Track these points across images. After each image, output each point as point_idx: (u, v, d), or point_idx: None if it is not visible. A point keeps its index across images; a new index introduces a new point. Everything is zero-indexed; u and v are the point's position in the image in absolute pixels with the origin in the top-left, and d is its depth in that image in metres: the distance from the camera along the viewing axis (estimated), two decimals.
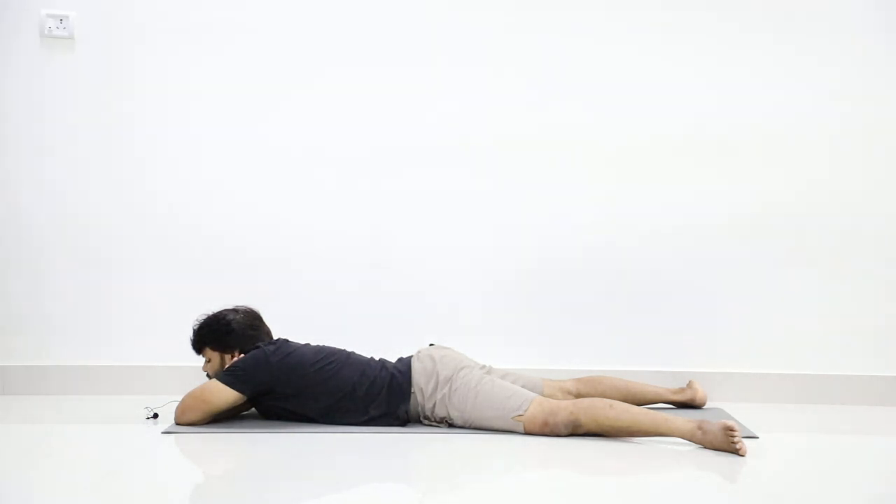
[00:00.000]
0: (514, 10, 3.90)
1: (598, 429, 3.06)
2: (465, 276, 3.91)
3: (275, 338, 3.40)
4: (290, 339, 3.37)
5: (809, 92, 3.88)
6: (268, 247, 3.89)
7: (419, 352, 3.34)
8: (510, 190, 3.91)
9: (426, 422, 3.25)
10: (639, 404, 3.34)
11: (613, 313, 3.90)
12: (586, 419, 3.05)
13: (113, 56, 3.87)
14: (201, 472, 2.90)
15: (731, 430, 2.88)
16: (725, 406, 3.68)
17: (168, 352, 3.77)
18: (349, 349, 3.38)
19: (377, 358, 3.37)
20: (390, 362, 3.35)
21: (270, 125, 3.90)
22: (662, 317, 3.89)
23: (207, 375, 3.37)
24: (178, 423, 3.19)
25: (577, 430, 3.07)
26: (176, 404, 3.23)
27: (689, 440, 2.97)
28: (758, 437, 3.11)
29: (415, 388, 3.23)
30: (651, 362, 3.86)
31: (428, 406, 3.22)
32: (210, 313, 3.40)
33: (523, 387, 3.33)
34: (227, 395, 3.17)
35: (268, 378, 3.20)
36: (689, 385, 3.67)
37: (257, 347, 3.28)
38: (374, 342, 3.57)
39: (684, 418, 3.03)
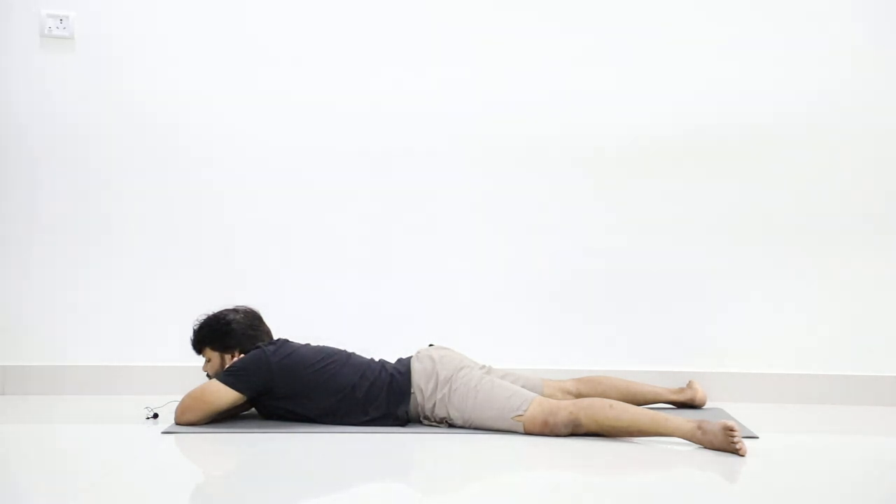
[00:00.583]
0: (513, 9, 3.90)
1: (598, 429, 3.06)
2: (465, 276, 3.91)
3: (275, 338, 3.40)
4: (290, 339, 3.37)
5: (810, 92, 3.88)
6: (268, 246, 3.89)
7: (419, 352, 3.34)
8: (510, 190, 3.91)
9: (426, 422, 3.25)
10: (639, 404, 3.34)
11: (613, 313, 3.90)
12: (586, 419, 3.05)
13: (113, 56, 3.87)
14: (201, 472, 2.90)
15: (731, 430, 2.88)
16: (725, 406, 3.68)
17: (168, 352, 3.77)
18: (349, 350, 3.38)
19: (377, 359, 3.37)
20: (390, 363, 3.35)
21: (271, 123, 3.90)
22: (662, 317, 3.89)
23: (207, 375, 3.37)
24: (178, 423, 3.19)
25: (577, 430, 3.07)
26: (176, 404, 3.23)
27: (689, 440, 2.97)
28: (758, 437, 3.11)
29: (414, 389, 3.23)
30: (651, 362, 3.86)
31: (428, 406, 3.22)
32: (210, 313, 3.40)
33: (523, 387, 3.33)
34: (226, 396, 3.17)
35: (268, 378, 3.20)
36: (689, 385, 3.67)
37: (257, 347, 3.27)
38: (374, 343, 3.57)
39: (684, 418, 3.03)
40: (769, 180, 3.89)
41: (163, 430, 3.15)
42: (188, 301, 3.64)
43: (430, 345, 3.44)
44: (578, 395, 3.42)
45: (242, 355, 3.30)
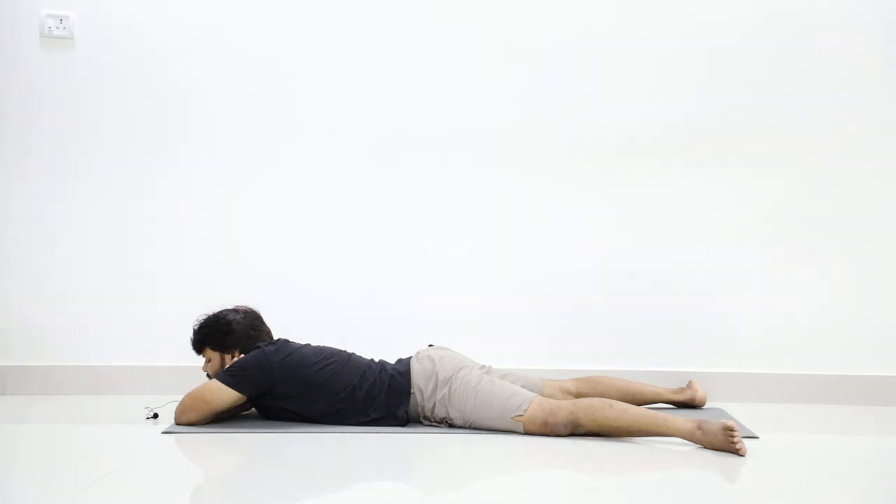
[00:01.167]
0: (513, 9, 3.90)
1: (598, 429, 3.06)
2: (466, 276, 3.91)
3: (275, 338, 3.40)
4: (291, 339, 3.37)
5: (810, 92, 3.88)
6: (268, 247, 3.89)
7: (418, 353, 3.34)
8: (510, 191, 3.91)
9: (426, 422, 3.25)
10: (638, 404, 3.34)
11: (613, 313, 3.90)
12: (586, 419, 3.05)
13: (113, 56, 3.87)
14: (201, 472, 2.90)
15: (731, 430, 2.88)
16: (725, 406, 3.68)
17: (168, 352, 3.77)
18: (349, 350, 3.38)
19: (377, 359, 3.37)
20: (390, 363, 3.35)
21: (271, 125, 3.90)
22: (662, 317, 3.89)
23: (207, 375, 3.37)
24: (178, 423, 3.19)
25: (577, 430, 3.07)
26: (176, 404, 3.23)
27: (689, 440, 2.97)
28: (758, 437, 3.11)
29: (414, 389, 3.23)
30: (651, 362, 3.86)
31: (428, 407, 3.22)
32: (210, 313, 3.40)
33: (523, 387, 3.33)
34: (227, 396, 3.17)
35: (268, 378, 3.20)
36: (689, 385, 3.67)
37: (258, 348, 3.28)
38: (374, 343, 3.57)
39: (684, 418, 3.03)
40: (769, 180, 3.89)
41: (163, 430, 3.15)
42: (189, 301, 3.64)
43: (430, 345, 3.44)
44: (578, 395, 3.42)
45: (242, 355, 3.30)
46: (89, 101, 3.86)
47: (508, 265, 3.92)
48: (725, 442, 2.88)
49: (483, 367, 3.34)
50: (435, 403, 3.21)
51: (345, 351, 3.36)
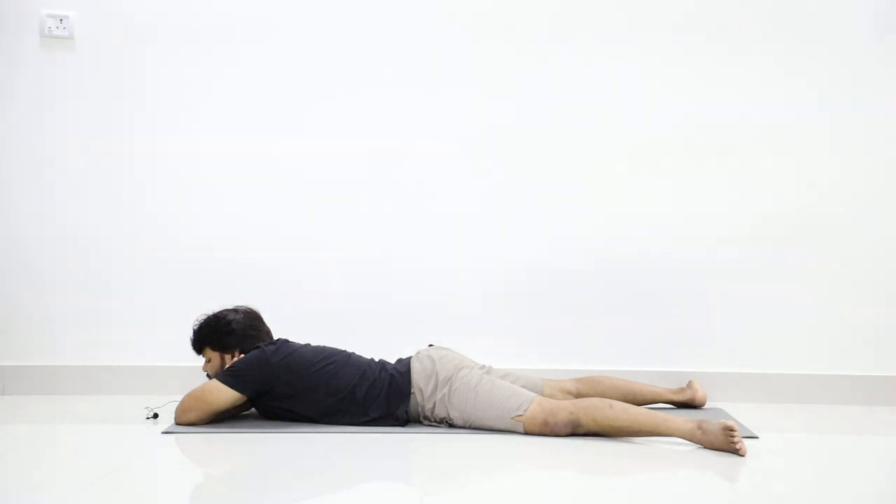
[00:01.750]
0: (513, 14, 3.90)
1: (598, 429, 3.06)
2: (466, 276, 3.91)
3: (275, 338, 3.40)
4: (290, 339, 3.37)
5: (810, 95, 3.88)
6: (268, 247, 3.89)
7: (418, 352, 3.34)
8: (510, 192, 3.91)
9: (426, 422, 3.25)
10: (638, 404, 3.35)
11: (613, 314, 3.90)
12: (586, 419, 3.05)
13: (113, 56, 3.87)
14: (201, 472, 2.90)
15: (731, 430, 2.88)
16: (725, 406, 3.68)
17: (168, 352, 3.77)
18: (349, 350, 3.38)
19: (377, 359, 3.37)
20: (390, 363, 3.35)
21: (272, 128, 3.89)
22: (662, 317, 3.89)
23: (207, 375, 3.37)
24: (178, 423, 3.19)
25: (577, 430, 3.07)
26: (176, 404, 3.23)
27: (689, 440, 2.97)
28: (758, 437, 3.11)
29: (414, 389, 3.23)
30: (651, 362, 3.86)
31: (428, 406, 3.22)
32: (210, 313, 3.40)
33: (523, 387, 3.33)
34: (227, 396, 3.17)
35: (268, 378, 3.20)
36: (689, 385, 3.67)
37: (257, 348, 3.28)
38: (374, 343, 3.57)
39: (684, 418, 3.03)
40: (769, 180, 3.89)
41: (163, 430, 3.15)
42: (189, 301, 3.64)
43: (430, 345, 3.44)
44: (578, 395, 3.42)
45: (242, 355, 3.30)
46: (89, 101, 3.86)
47: (508, 265, 3.91)
48: (725, 442, 2.88)
49: (483, 367, 3.34)
50: (435, 403, 3.21)
51: (345, 351, 3.36)
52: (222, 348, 3.36)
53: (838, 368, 3.85)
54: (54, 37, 3.84)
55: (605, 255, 3.90)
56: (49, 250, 3.86)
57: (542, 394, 3.34)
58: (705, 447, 2.93)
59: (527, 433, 3.11)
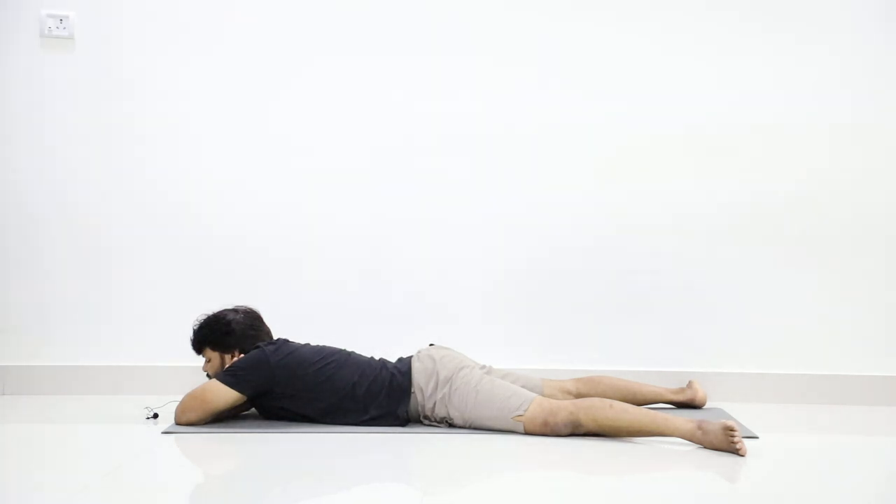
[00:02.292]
0: (515, 5, 3.90)
1: (598, 429, 3.06)
2: (466, 276, 3.91)
3: (275, 338, 3.40)
4: (290, 339, 3.37)
5: (808, 88, 3.88)
6: (268, 247, 3.89)
7: (419, 352, 3.34)
8: (510, 190, 3.91)
9: (426, 422, 3.25)
10: (639, 404, 3.34)
11: (613, 313, 3.90)
12: (586, 419, 3.05)
13: (113, 56, 3.87)
14: (201, 472, 2.90)
15: (731, 430, 2.88)
16: (725, 406, 3.68)
17: (168, 352, 3.77)
18: (349, 349, 3.38)
19: (377, 358, 3.37)
20: (390, 362, 3.35)
21: (271, 123, 3.90)
22: (662, 317, 3.89)
23: (207, 375, 3.37)
24: (178, 423, 3.19)
25: (577, 430, 3.07)
26: (176, 404, 3.23)
27: (689, 440, 2.97)
28: (758, 437, 3.11)
29: (415, 388, 3.23)
30: (651, 362, 3.86)
31: (428, 406, 3.22)
32: (210, 313, 3.40)
33: (523, 387, 3.33)
34: (226, 395, 3.17)
35: (268, 378, 3.20)
36: (689, 385, 3.67)
37: (257, 347, 3.28)
38: (374, 342, 3.57)
39: (684, 418, 3.03)
40: (769, 180, 3.89)
41: (163, 430, 3.15)
42: (189, 301, 3.64)
43: (431, 345, 3.44)
44: (578, 395, 3.42)
45: (242, 355, 3.30)
46: (89, 100, 3.86)
47: (508, 265, 3.91)
48: (725, 442, 2.88)
49: (483, 367, 3.34)
50: (435, 403, 3.21)
51: (344, 350, 3.36)
52: (222, 348, 3.36)
53: (838, 368, 3.85)
54: (54, 37, 3.84)
55: (605, 255, 3.90)
56: (49, 250, 3.85)
57: (542, 394, 3.34)
58: (705, 447, 2.93)
59: (527, 433, 3.11)
